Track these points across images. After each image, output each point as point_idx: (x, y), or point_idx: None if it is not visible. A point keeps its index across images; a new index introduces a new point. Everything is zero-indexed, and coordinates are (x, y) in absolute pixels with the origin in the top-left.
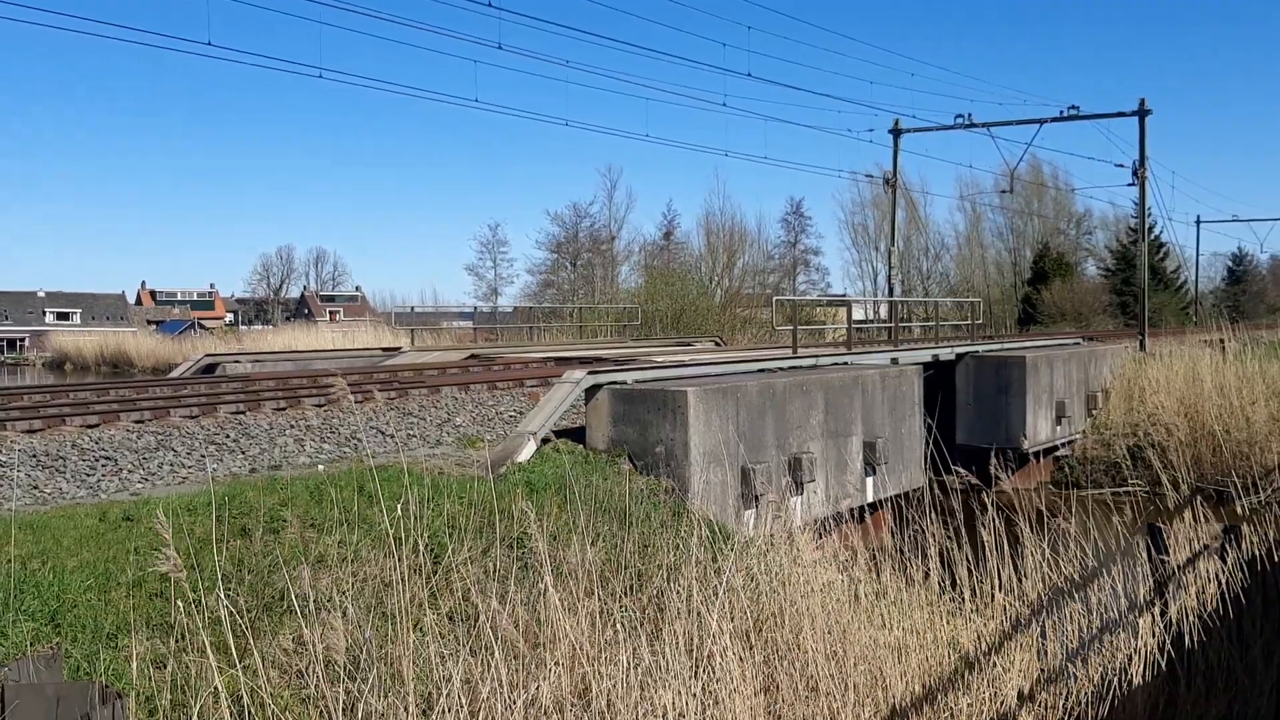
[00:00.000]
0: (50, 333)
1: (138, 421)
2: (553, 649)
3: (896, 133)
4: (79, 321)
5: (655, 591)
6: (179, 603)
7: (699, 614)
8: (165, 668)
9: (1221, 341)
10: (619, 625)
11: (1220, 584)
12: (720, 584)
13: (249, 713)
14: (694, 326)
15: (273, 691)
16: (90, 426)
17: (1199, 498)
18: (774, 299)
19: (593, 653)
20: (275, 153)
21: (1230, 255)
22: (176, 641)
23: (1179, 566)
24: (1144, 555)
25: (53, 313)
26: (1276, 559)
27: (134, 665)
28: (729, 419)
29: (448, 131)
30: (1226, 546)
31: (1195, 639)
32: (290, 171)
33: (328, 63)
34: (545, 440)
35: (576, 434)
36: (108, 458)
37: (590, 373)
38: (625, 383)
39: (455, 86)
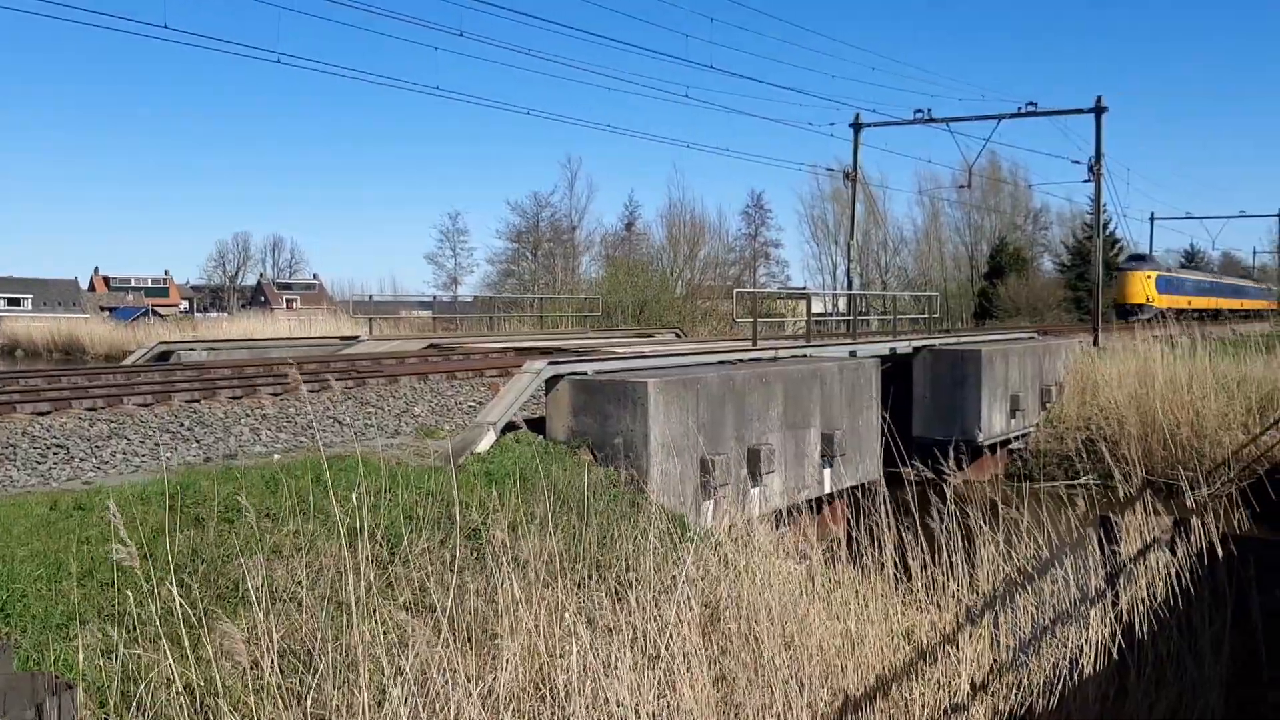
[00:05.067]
0: (0, 319)
1: (90, 409)
2: (509, 640)
3: (857, 127)
4: (30, 307)
5: (613, 582)
6: (130, 593)
7: (656, 605)
8: (116, 658)
9: (1171, 338)
10: (576, 616)
11: (1170, 576)
12: (678, 575)
13: (201, 704)
14: (655, 318)
15: (225, 682)
16: (41, 414)
17: (1150, 491)
18: (734, 291)
19: (549, 644)
20: (232, 138)
21: (1183, 252)
22: (128, 632)
23: (1130, 559)
24: (1096, 547)
25: (3, 298)
26: (1225, 551)
27: (83, 656)
28: (689, 410)
29: (408, 118)
30: (1176, 539)
31: (1146, 630)
32: (247, 157)
33: (286, 47)
34: (505, 430)
35: (537, 425)
36: (59, 446)
37: (551, 363)
38: (586, 373)
39: (415, 73)
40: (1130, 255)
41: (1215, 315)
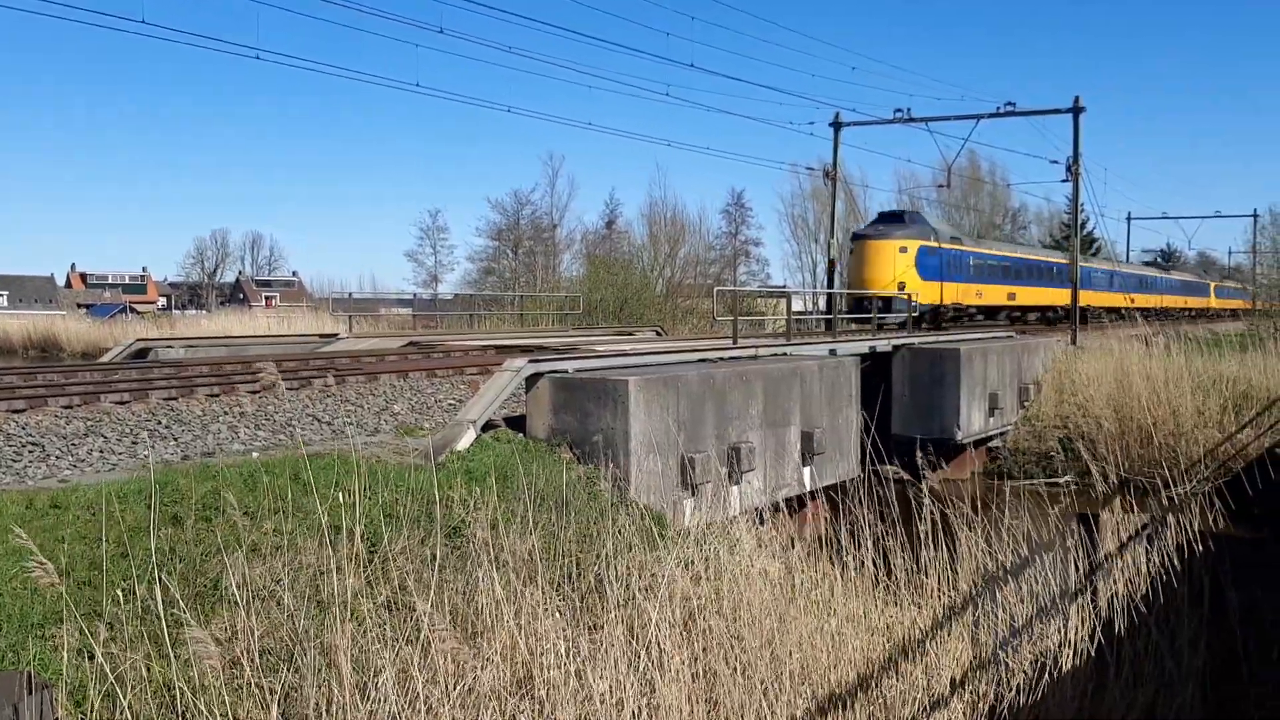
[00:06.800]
0: None
1: (66, 407)
2: (491, 638)
3: (837, 126)
4: (6, 304)
5: (594, 580)
6: (110, 592)
7: (638, 603)
8: (94, 658)
9: (1145, 337)
10: (558, 614)
11: (1148, 573)
12: (659, 573)
13: (180, 703)
14: (636, 316)
15: (204, 682)
16: (17, 412)
17: (1128, 489)
18: (715, 290)
19: (531, 642)
20: (210, 134)
21: (1159, 251)
22: (107, 631)
23: (1108, 556)
24: (1075, 545)
25: None
26: (1202, 549)
27: (63, 655)
28: (669, 408)
29: (388, 116)
30: (1154, 537)
31: (1124, 627)
32: (226, 154)
33: (265, 43)
34: (485, 429)
35: (517, 423)
36: (35, 444)
37: (531, 361)
38: (566, 371)
39: (396, 70)
40: (880, 214)
41: (1053, 316)
